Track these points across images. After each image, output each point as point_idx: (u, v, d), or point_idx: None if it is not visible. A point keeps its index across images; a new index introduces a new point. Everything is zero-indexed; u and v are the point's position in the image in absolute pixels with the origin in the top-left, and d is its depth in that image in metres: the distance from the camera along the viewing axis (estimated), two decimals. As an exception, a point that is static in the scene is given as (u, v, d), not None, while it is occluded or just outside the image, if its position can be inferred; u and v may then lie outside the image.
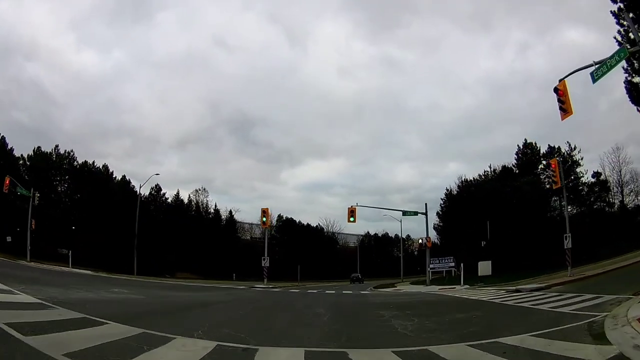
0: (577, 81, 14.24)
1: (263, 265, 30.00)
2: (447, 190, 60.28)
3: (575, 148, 44.11)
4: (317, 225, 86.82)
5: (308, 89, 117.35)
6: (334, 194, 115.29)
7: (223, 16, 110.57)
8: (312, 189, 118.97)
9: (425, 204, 36.14)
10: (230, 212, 74.09)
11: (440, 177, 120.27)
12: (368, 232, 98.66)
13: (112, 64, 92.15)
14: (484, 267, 32.78)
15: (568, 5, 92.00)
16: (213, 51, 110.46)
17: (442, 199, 61.52)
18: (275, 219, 77.63)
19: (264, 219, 30.41)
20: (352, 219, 30.79)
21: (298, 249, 72.17)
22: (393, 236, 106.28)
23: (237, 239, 71.96)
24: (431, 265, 37.79)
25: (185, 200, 68.74)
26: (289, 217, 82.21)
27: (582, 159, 43.96)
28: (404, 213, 37.78)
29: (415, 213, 35.45)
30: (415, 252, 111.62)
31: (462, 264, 28.58)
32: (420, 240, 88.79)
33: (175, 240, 55.79)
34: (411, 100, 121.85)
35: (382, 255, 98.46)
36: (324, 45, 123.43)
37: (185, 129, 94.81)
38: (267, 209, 30.64)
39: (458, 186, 57.50)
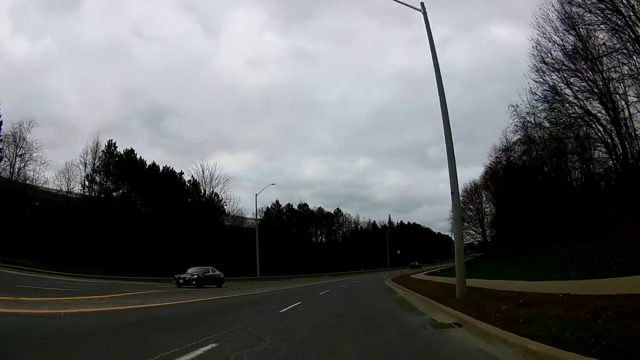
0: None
1: None
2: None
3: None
4: (191, 180, 54.84)
5: (219, 81, 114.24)
6: (241, 188, 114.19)
7: (142, 4, 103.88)
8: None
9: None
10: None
11: (350, 173, 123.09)
12: (277, 201, 73.46)
13: (41, 51, 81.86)
14: None
15: (495, 1, 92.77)
16: (131, 40, 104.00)
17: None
18: (103, 148, 47.21)
19: None
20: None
21: (145, 213, 45.73)
22: (315, 209, 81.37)
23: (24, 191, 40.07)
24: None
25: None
26: (130, 148, 49.94)
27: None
28: None
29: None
30: (340, 237, 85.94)
31: None
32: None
33: None
34: (322, 94, 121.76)
35: (301, 238, 73.86)
36: (236, 36, 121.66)
37: (102, 119, 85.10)
38: None
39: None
